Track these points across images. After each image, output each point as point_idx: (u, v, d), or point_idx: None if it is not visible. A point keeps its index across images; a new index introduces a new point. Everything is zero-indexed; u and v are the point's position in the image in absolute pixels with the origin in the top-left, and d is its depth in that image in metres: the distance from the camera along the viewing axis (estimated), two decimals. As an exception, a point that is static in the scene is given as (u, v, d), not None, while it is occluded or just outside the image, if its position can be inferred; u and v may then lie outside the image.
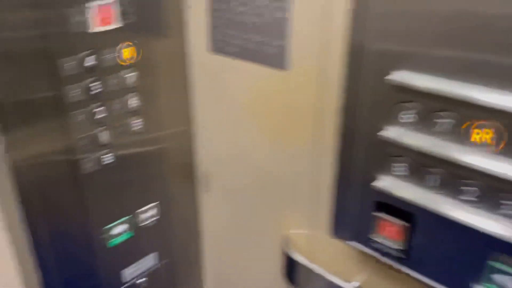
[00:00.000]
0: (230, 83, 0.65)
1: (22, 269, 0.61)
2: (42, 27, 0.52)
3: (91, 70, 0.57)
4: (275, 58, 0.56)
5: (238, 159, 0.69)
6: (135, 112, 0.64)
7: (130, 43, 0.60)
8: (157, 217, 0.73)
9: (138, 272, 0.75)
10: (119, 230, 0.69)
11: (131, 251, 0.72)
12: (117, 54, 0.59)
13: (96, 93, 0.59)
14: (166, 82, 0.67)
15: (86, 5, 0.54)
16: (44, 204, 0.58)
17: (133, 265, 0.74)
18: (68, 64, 0.55)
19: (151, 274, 0.77)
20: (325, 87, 0.53)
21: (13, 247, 0.60)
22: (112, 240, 0.68)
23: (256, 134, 0.64)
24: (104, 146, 0.62)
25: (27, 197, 0.56)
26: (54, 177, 0.58)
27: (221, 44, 0.62)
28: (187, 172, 0.77)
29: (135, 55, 0.61)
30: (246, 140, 0.66)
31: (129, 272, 0.74)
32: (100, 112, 0.60)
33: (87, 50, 0.56)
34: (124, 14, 0.58)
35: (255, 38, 0.58)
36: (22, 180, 0.55)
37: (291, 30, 0.54)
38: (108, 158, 0.63)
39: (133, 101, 0.63)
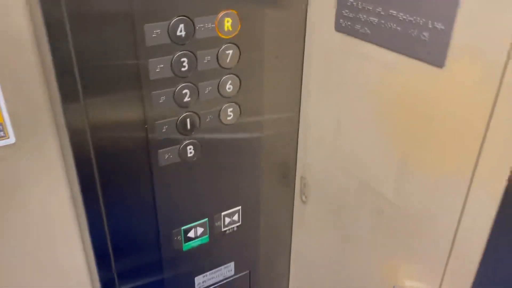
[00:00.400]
0: (356, 74, 0.49)
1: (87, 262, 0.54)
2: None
3: (182, 41, 0.46)
4: (426, 48, 0.39)
5: (350, 174, 0.54)
6: (229, 99, 0.52)
7: (234, 12, 0.47)
8: (238, 223, 0.61)
9: (212, 281, 0.64)
10: (194, 233, 0.58)
11: (205, 257, 0.62)
12: (215, 24, 0.47)
13: (186, 71, 0.47)
14: (273, 65, 0.53)
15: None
16: (111, 195, 0.49)
17: (207, 273, 0.63)
18: (156, 32, 0.44)
19: (226, 286, 0.66)
20: (508, 95, 0.35)
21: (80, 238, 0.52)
22: (187, 243, 0.58)
23: (382, 147, 0.48)
24: (187, 135, 0.51)
25: (89, 184, 0.47)
26: (125, 165, 0.49)
27: (351, 22, 0.47)
28: (281, 175, 0.63)
29: (238, 27, 0.48)
30: (366, 153, 0.51)
31: (202, 280, 0.63)
32: (188, 95, 0.49)
33: (179, 16, 0.45)
34: (230, -27, 0.45)
35: (401, 16, 0.41)
36: (84, 165, 0.46)
37: (461, 6, 0.36)
38: (190, 150, 0.52)
39: (229, 85, 0.51)
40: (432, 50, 0.39)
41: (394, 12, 0.41)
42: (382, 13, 0.43)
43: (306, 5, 0.52)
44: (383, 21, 0.43)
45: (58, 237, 0.53)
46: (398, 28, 0.41)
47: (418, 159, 0.44)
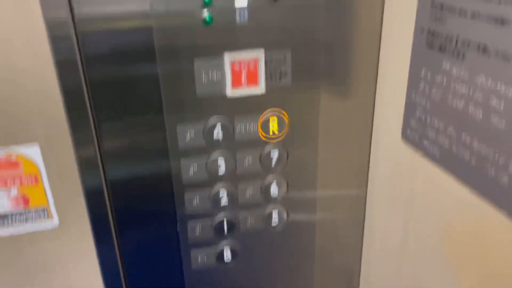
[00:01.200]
0: (425, 199, 0.39)
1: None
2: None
3: (219, 143, 0.42)
4: (505, 196, 0.29)
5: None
6: (274, 203, 0.46)
7: (281, 111, 0.42)
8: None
9: None
10: None
11: None
12: (258, 125, 0.42)
13: (223, 173, 0.43)
14: (330, 168, 0.46)
15: (220, 59, 0.38)
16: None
17: None
18: (189, 134, 0.41)
19: None
20: None
21: None
22: None
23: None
24: (224, 238, 0.46)
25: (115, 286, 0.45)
26: (154, 265, 0.46)
27: (418, 136, 0.38)
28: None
29: (286, 128, 0.43)
30: (428, 299, 0.40)
31: None
32: (225, 196, 0.44)
33: (216, 116, 0.41)
34: (275, 74, 0.40)
35: (475, 145, 0.31)
36: (110, 268, 0.44)
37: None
38: (227, 254, 0.47)
39: (274, 187, 0.45)
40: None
41: (468, 137, 0.32)
42: (453, 135, 0.33)
43: (373, 108, 0.44)
44: (454, 146, 0.33)
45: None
46: (472, 161, 0.31)
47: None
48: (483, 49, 0.28)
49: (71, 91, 0.37)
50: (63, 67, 0.35)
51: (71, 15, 0.34)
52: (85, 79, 0.36)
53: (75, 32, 0.35)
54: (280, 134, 0.43)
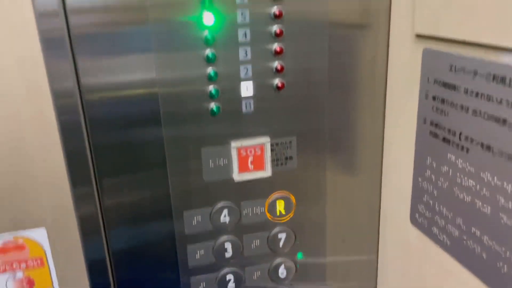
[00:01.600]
0: (435, 285, 0.38)
1: None
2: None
3: (225, 227, 0.42)
4: (522, 296, 0.28)
5: None
6: (283, 285, 0.45)
7: (287, 194, 0.42)
8: None
9: None
10: None
11: None
12: (265, 208, 0.42)
13: (230, 257, 0.42)
14: (339, 249, 0.45)
15: (227, 146, 0.39)
16: None
17: None
18: (196, 219, 0.41)
19: None
20: None
21: None
22: None
23: None
24: (231, 323, 0.45)
25: None
26: None
27: (427, 222, 0.37)
28: None
29: (293, 209, 0.43)
30: None
31: None
32: (232, 281, 0.43)
33: (223, 201, 0.41)
34: (281, 158, 0.41)
35: (486, 240, 0.31)
36: None
37: None
38: (234, 339, 0.45)
39: (283, 269, 0.44)
40: (529, 303, 0.28)
41: (478, 231, 0.31)
42: (462, 226, 0.33)
43: (379, 187, 0.44)
44: (464, 237, 0.33)
45: None
46: (483, 255, 0.31)
47: None
48: (487, 147, 0.29)
49: (78, 172, 0.37)
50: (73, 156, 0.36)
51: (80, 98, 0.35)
52: (91, 152, 0.37)
53: (85, 120, 0.36)
54: (288, 214, 0.43)
